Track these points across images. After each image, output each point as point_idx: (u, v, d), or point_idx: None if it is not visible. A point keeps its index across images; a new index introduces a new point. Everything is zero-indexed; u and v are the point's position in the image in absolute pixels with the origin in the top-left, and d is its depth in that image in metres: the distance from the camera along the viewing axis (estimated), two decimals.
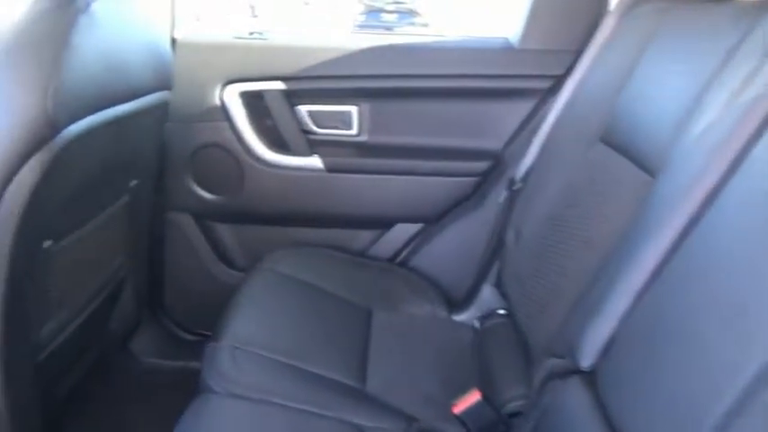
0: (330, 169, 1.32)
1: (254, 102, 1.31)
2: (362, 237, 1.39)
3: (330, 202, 1.35)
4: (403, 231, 1.38)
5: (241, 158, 1.32)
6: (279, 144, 1.32)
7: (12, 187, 0.73)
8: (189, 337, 1.47)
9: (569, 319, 0.79)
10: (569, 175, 0.98)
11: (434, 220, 1.37)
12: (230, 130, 1.30)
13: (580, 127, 1.03)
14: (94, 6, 0.79)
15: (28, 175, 0.74)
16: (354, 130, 1.33)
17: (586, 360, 0.68)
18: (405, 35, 1.48)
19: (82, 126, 0.81)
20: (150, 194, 1.24)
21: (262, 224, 1.40)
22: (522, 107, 1.28)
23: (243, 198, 1.35)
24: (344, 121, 1.33)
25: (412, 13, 8.81)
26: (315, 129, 1.33)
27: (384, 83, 1.31)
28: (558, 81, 1.22)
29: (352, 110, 1.32)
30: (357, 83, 1.31)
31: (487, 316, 1.13)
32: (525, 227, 1.08)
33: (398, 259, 1.39)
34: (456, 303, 1.28)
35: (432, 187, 1.34)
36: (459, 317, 1.25)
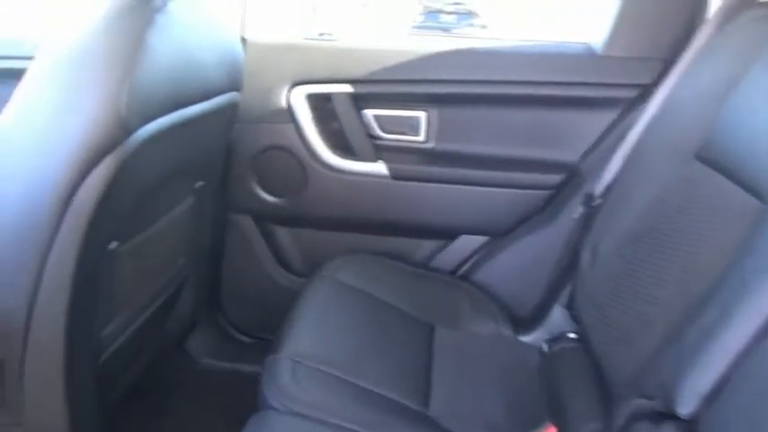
0: (395, 176, 1.28)
1: (320, 104, 1.28)
2: (425, 247, 1.34)
3: (393, 210, 1.30)
4: (468, 243, 1.32)
5: (305, 162, 1.29)
6: (344, 148, 1.29)
7: (82, 189, 0.72)
8: (244, 338, 1.46)
9: (662, 354, 0.71)
10: (659, 194, 0.90)
11: (502, 233, 1.30)
12: (295, 132, 1.28)
13: (672, 141, 0.95)
14: (171, 6, 0.78)
15: (99, 177, 0.72)
16: (422, 137, 1.29)
17: (686, 406, 0.61)
18: (480, 39, 1.41)
19: (154, 127, 0.79)
20: (214, 196, 1.23)
21: (322, 229, 1.37)
22: (603, 117, 1.20)
23: (305, 202, 1.33)
24: (412, 126, 1.28)
25: (471, 14, 8.70)
26: (381, 134, 1.29)
27: (455, 88, 1.26)
28: (645, 90, 1.14)
29: (421, 115, 1.28)
30: (426, 88, 1.26)
31: (556, 339, 1.06)
32: (603, 246, 1.00)
33: (461, 272, 1.33)
34: (521, 323, 1.21)
35: (501, 199, 1.27)
36: (526, 338, 1.18)
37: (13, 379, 0.78)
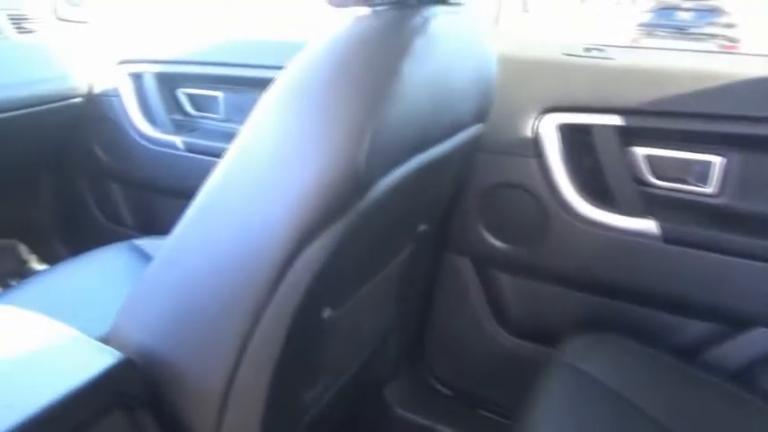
0: (669, 239, 0.97)
1: (575, 137, 1.02)
2: (696, 331, 1.02)
3: (659, 280, 1.00)
4: (762, 340, 0.97)
5: (547, 206, 1.05)
6: (600, 194, 1.02)
7: (302, 258, 0.57)
8: (446, 391, 1.28)
9: None
10: None
11: None
12: (539, 169, 1.04)
13: None
14: (432, 24, 0.59)
15: (322, 244, 0.57)
16: (712, 189, 0.96)
17: None
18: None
19: (391, 178, 0.62)
20: (435, 236, 1.06)
21: (556, 285, 1.12)
22: None
23: (540, 252, 1.09)
24: (699, 173, 0.97)
25: (715, 11, 7.52)
26: (654, 180, 1.00)
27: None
28: None
29: (714, 160, 0.95)
30: (724, 125, 0.94)
31: None
32: None
33: (746, 377, 0.98)
34: None
35: None
36: None
37: None
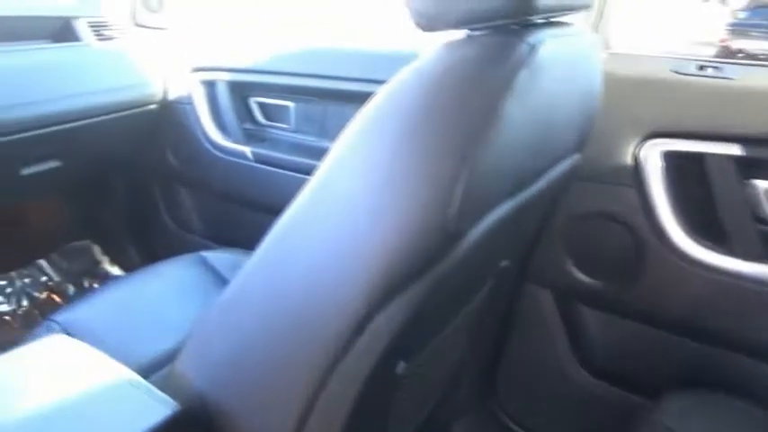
0: None
1: (683, 166, 0.91)
2: None
3: None
4: None
5: (645, 239, 0.94)
6: (711, 232, 0.90)
7: (385, 312, 0.50)
8: (517, 429, 1.19)
9: None
10: None
11: None
12: (638, 199, 0.93)
13: None
14: (539, 54, 0.51)
15: (409, 295, 0.50)
16: None
17: None
18: None
19: (484, 226, 0.54)
20: (517, 269, 0.97)
21: (651, 327, 1.00)
22: None
23: (634, 291, 0.97)
24: None
25: None
26: None
27: None
28: None
29: None
30: None
31: None
32: None
33: None
34: None
35: None
36: None
37: None
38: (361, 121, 0.52)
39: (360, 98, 1.21)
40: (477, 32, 0.53)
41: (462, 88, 0.47)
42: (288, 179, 1.27)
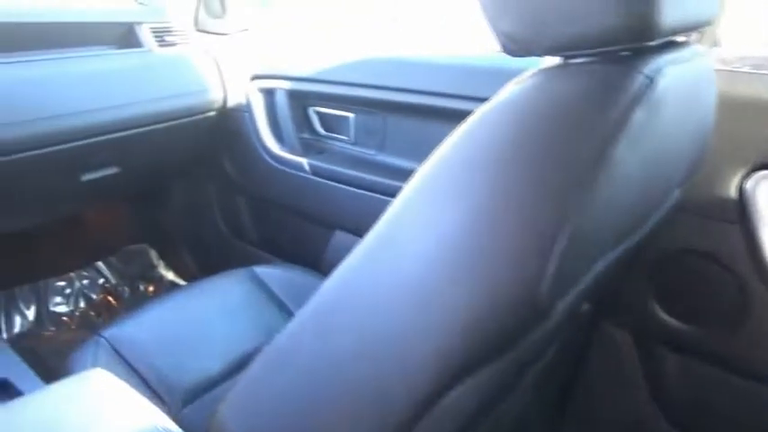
0: None
1: None
2: None
3: None
4: None
5: (748, 283, 0.82)
6: None
7: (451, 395, 0.42)
8: None
9: None
10: None
11: None
12: (743, 237, 0.82)
13: None
14: (660, 84, 0.41)
15: (481, 379, 0.42)
16: None
17: None
18: None
19: (579, 287, 0.46)
20: (595, 309, 0.87)
21: (749, 380, 0.88)
22: None
23: (731, 338, 0.86)
24: None
25: None
26: None
27: None
28: None
29: None
30: None
31: None
32: None
33: None
34: None
35: None
36: None
37: None
38: (441, 157, 0.44)
39: (421, 111, 1.16)
40: (578, 60, 0.45)
41: (565, 132, 0.39)
42: (345, 193, 1.22)
